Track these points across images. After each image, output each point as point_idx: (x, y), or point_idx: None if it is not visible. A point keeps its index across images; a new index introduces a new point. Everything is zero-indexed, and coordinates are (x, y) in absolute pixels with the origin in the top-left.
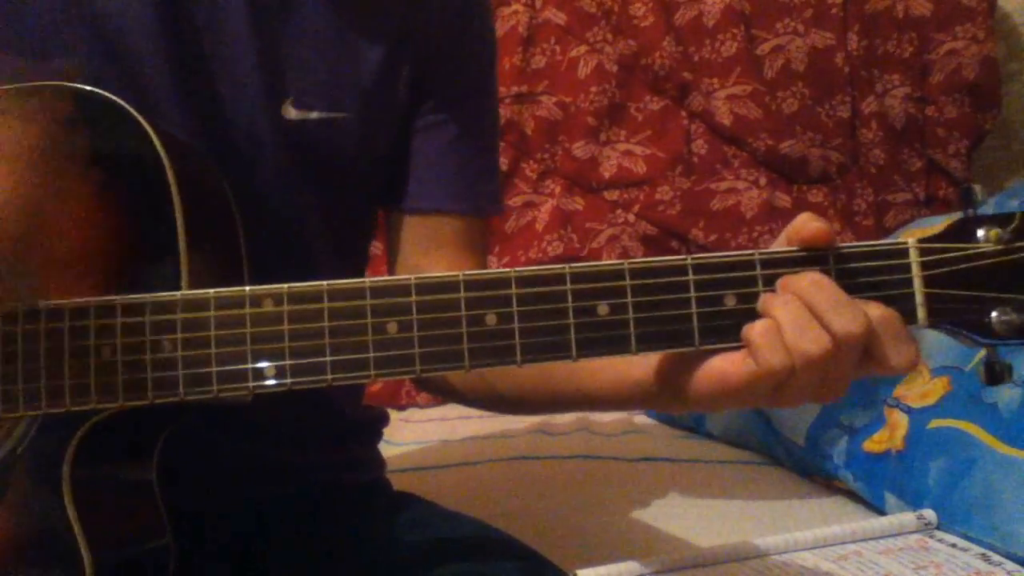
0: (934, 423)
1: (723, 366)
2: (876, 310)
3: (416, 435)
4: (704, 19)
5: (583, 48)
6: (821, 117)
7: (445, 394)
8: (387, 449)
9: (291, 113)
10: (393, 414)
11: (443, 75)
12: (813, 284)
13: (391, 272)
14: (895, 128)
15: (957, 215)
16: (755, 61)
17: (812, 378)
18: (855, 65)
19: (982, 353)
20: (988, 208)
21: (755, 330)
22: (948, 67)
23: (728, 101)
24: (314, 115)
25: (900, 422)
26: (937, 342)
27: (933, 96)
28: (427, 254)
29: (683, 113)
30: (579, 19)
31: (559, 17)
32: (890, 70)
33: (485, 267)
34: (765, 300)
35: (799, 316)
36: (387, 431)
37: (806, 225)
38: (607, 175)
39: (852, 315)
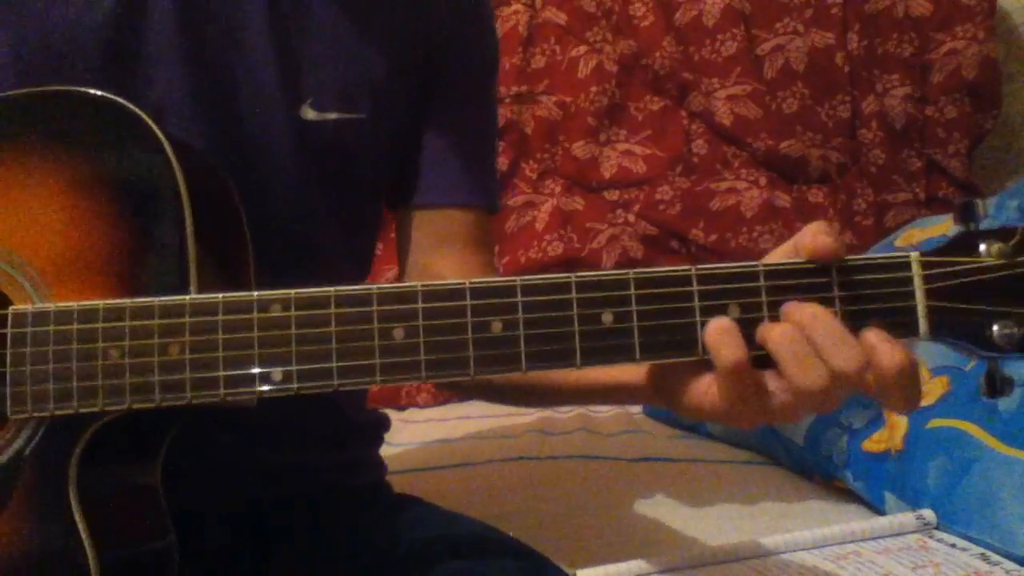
0: (933, 423)
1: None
2: (894, 357)
3: (416, 435)
4: (704, 19)
5: (583, 48)
6: (821, 117)
7: (443, 384)
8: (387, 450)
9: (309, 115)
10: (393, 415)
11: (452, 73)
12: (812, 318)
13: (402, 270)
14: (895, 128)
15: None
16: (755, 61)
17: (806, 406)
18: (855, 65)
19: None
20: (988, 207)
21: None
22: (948, 67)
23: (728, 101)
24: (331, 116)
25: (899, 422)
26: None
27: (933, 96)
28: (436, 250)
29: (683, 113)
30: (579, 19)
31: (559, 17)
32: (890, 70)
33: (494, 262)
34: (763, 332)
35: (799, 349)
36: (387, 432)
37: (816, 238)
38: (607, 175)
39: (849, 354)
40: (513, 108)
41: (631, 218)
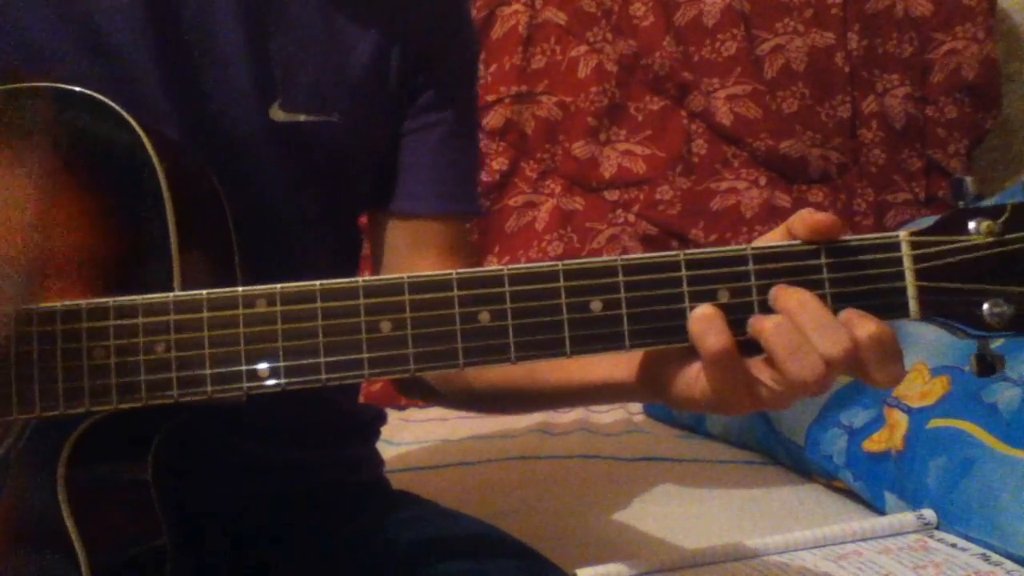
0: (934, 423)
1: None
2: (867, 329)
3: (416, 435)
4: (704, 19)
5: (583, 48)
6: (821, 117)
7: (420, 393)
8: (387, 449)
9: (279, 115)
10: (393, 414)
11: (431, 77)
12: (799, 305)
13: (376, 273)
14: (895, 128)
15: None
16: (755, 61)
17: (800, 395)
18: (855, 65)
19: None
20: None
21: (756, 367)
22: (948, 67)
23: (728, 101)
24: (301, 118)
25: (900, 422)
26: (937, 341)
27: (933, 96)
28: (411, 257)
29: (683, 113)
30: (579, 19)
31: (559, 17)
32: (890, 70)
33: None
34: (756, 324)
35: (793, 339)
36: (387, 431)
37: (812, 215)
38: (607, 175)
39: (835, 338)
40: (513, 108)
41: (631, 218)
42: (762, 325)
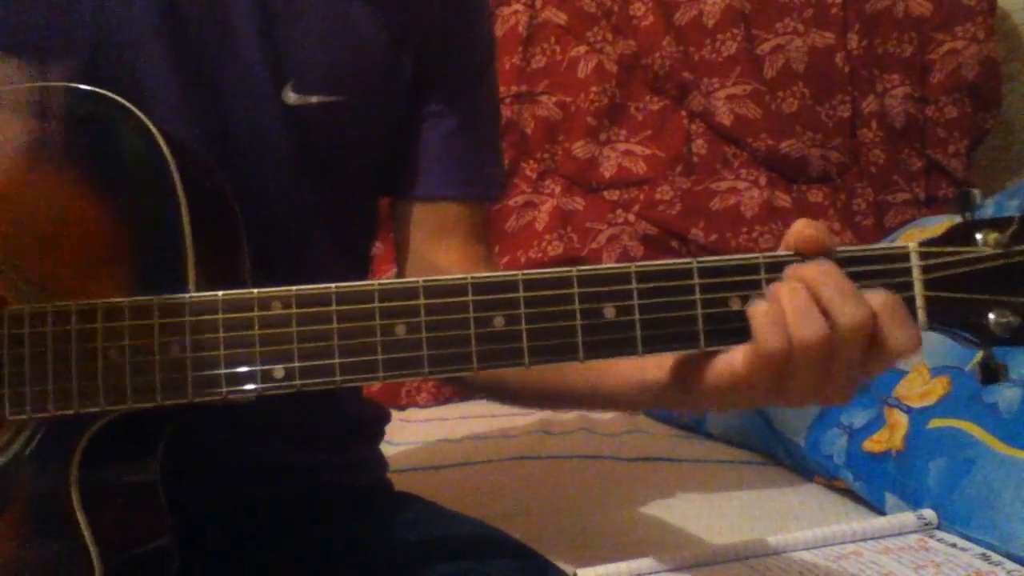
0: (934, 423)
1: (727, 357)
2: (879, 297)
3: (416, 435)
4: (704, 19)
5: (583, 48)
6: (821, 117)
7: (455, 383)
8: (387, 449)
9: (291, 98)
10: (393, 414)
11: (447, 60)
12: (821, 272)
13: (400, 263)
14: (895, 128)
15: (957, 218)
16: (755, 61)
17: (813, 368)
18: (855, 65)
19: (981, 353)
20: (988, 208)
21: (758, 309)
22: (948, 67)
23: (728, 101)
24: (314, 99)
25: (900, 422)
26: (937, 342)
27: (933, 96)
28: (434, 242)
29: (683, 113)
30: (579, 19)
31: (559, 17)
32: (890, 70)
33: (491, 254)
34: (772, 286)
35: (800, 302)
36: (387, 431)
37: (802, 231)
38: (607, 175)
39: (855, 305)
40: (513, 108)
41: (631, 218)
42: (778, 287)
